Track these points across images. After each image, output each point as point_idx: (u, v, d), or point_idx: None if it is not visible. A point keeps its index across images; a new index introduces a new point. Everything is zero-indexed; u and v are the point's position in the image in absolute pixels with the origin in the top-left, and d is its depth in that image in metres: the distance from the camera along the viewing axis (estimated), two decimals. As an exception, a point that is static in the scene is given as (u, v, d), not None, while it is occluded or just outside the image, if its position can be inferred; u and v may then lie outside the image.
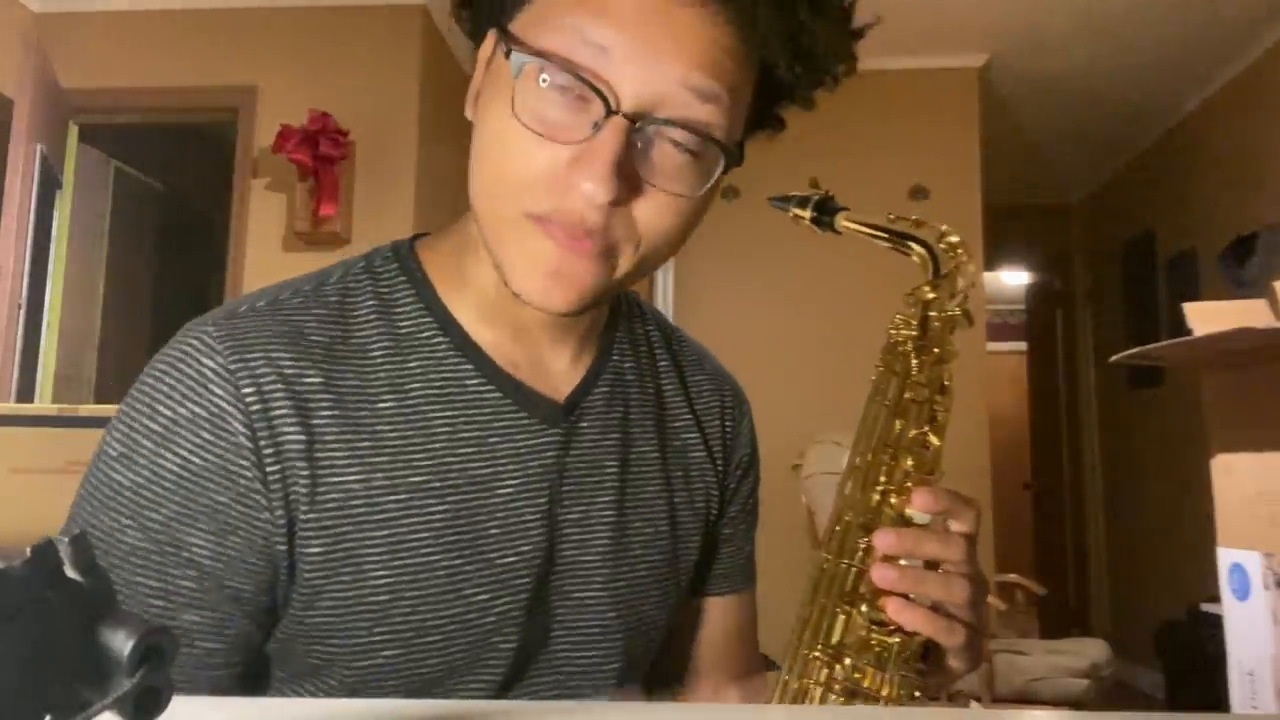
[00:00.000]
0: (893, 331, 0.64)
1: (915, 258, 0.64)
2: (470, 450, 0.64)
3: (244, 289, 3.56)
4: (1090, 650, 3.21)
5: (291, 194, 3.58)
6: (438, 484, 0.63)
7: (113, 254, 4.38)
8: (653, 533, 0.72)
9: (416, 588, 0.61)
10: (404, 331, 0.66)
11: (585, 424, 0.69)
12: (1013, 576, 3.49)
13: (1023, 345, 6.92)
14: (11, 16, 3.64)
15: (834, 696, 0.57)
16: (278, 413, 0.60)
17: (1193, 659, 3.46)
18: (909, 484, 0.60)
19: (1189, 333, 0.71)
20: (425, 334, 0.66)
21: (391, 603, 0.61)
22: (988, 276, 4.26)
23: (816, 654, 0.58)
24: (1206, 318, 0.70)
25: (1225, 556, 0.74)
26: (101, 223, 4.31)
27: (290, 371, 0.61)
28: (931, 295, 0.63)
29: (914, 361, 0.62)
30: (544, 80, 0.57)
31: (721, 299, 4.06)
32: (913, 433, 0.61)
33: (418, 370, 0.65)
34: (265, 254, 3.62)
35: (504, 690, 0.65)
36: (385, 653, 0.61)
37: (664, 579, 0.73)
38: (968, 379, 3.92)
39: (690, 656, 0.82)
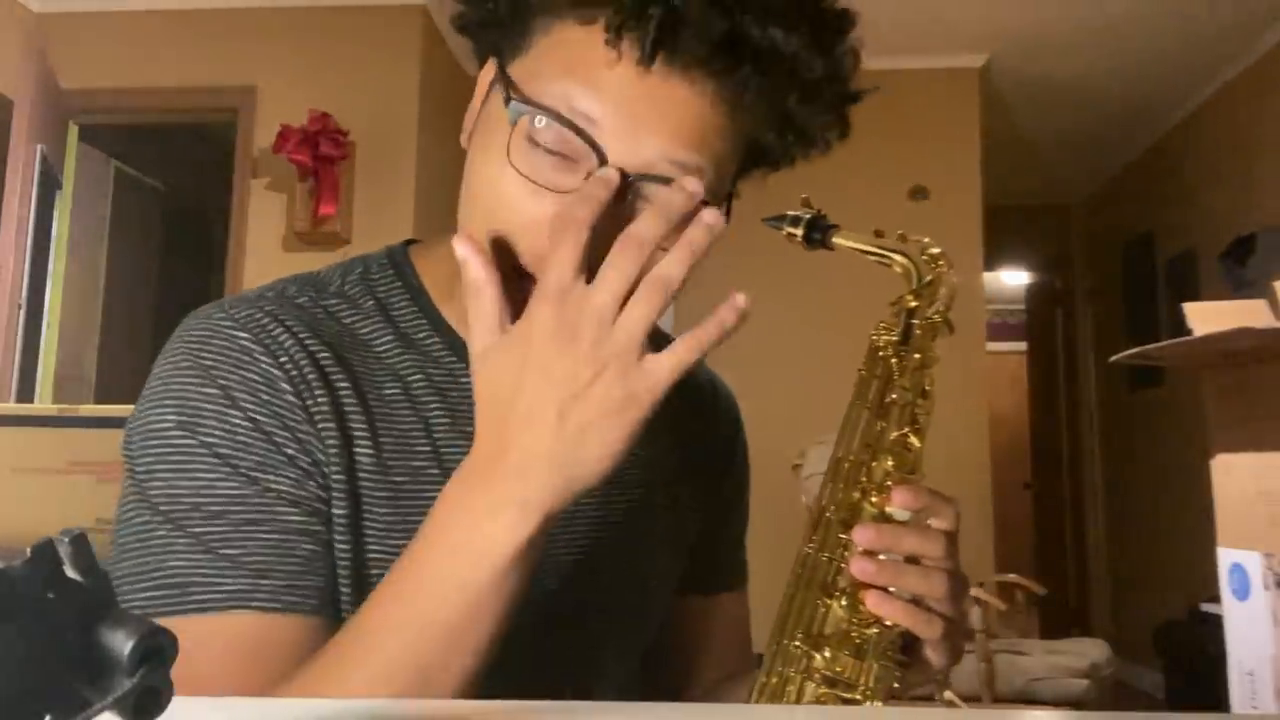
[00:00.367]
0: (875, 337, 0.65)
1: (898, 269, 0.66)
2: (467, 444, 0.65)
3: (244, 289, 3.54)
4: (1090, 650, 3.21)
5: (291, 194, 3.59)
6: (435, 470, 0.64)
7: (113, 254, 4.38)
8: (639, 531, 0.73)
9: None
10: (402, 331, 0.68)
11: None
12: (1013, 576, 3.49)
13: (1023, 345, 6.92)
14: (11, 16, 3.64)
15: (813, 686, 0.58)
16: (311, 377, 0.62)
17: (1193, 659, 3.46)
18: (890, 483, 0.61)
19: (1189, 333, 0.71)
20: (420, 335, 0.68)
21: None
22: (988, 276, 4.26)
23: (797, 644, 0.59)
24: (1206, 318, 0.70)
25: (1225, 556, 0.74)
26: (101, 223, 4.31)
27: (313, 346, 0.63)
28: (914, 303, 0.65)
29: (896, 366, 0.64)
30: (537, 135, 0.58)
31: (721, 299, 4.05)
32: (894, 434, 0.62)
33: (416, 365, 0.67)
34: (265, 254, 3.62)
35: (488, 681, 0.65)
36: None
37: (648, 574, 0.73)
38: (968, 379, 3.94)
39: (682, 655, 0.82)
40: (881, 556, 0.59)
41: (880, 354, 0.65)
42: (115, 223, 4.37)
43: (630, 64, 0.57)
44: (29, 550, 0.26)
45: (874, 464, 0.62)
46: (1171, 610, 3.94)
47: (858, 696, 0.58)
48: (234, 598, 0.57)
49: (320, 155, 3.47)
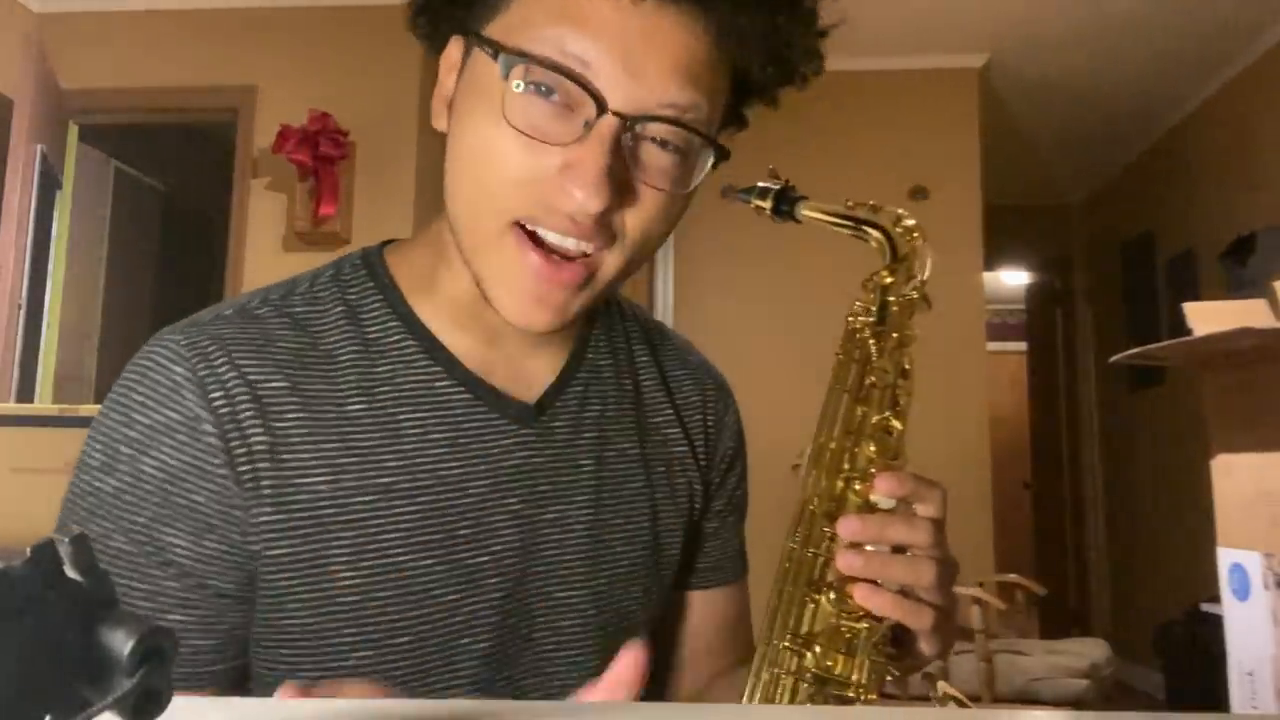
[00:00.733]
0: (851, 319, 0.64)
1: (873, 243, 0.64)
2: (441, 451, 0.65)
3: (244, 289, 3.56)
4: (1090, 650, 3.21)
5: (291, 194, 3.58)
6: (407, 484, 0.63)
7: (113, 254, 4.38)
8: (633, 529, 0.72)
9: (386, 589, 0.62)
10: (372, 336, 0.66)
11: (559, 423, 0.70)
12: (1013, 576, 3.48)
13: (1023, 345, 6.92)
14: (11, 16, 3.64)
15: (805, 685, 0.58)
16: (244, 415, 0.61)
17: (1193, 659, 3.46)
18: (873, 470, 0.60)
19: (1189, 333, 0.71)
20: (393, 338, 0.67)
21: (361, 604, 0.61)
22: (988, 276, 4.25)
23: (786, 643, 0.58)
24: (1206, 318, 0.70)
25: (1225, 556, 0.74)
26: (101, 223, 4.31)
27: (255, 376, 0.62)
28: (889, 280, 0.63)
29: (874, 347, 0.62)
30: (529, 86, 0.57)
31: (721, 299, 4.06)
32: (875, 418, 0.61)
33: (386, 374, 0.65)
34: (265, 254, 3.62)
35: (484, 689, 0.65)
36: (357, 654, 0.62)
37: (646, 575, 0.73)
38: (968, 379, 3.94)
39: (683, 650, 0.82)
40: (868, 547, 0.58)
41: (857, 336, 0.63)
42: (115, 223, 4.37)
43: None
44: (29, 550, 0.26)
45: (856, 450, 0.61)
46: (1171, 610, 3.93)
47: (850, 694, 0.57)
48: None
49: (320, 155, 3.46)
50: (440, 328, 0.67)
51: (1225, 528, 0.75)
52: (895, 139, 4.08)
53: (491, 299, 0.62)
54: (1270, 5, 3.69)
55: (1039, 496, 6.54)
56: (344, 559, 0.61)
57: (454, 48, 0.65)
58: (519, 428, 0.68)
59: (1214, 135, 4.44)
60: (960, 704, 0.65)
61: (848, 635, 0.58)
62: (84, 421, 1.63)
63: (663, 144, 0.59)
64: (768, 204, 0.66)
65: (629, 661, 0.46)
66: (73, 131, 3.74)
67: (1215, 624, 0.76)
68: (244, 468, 0.60)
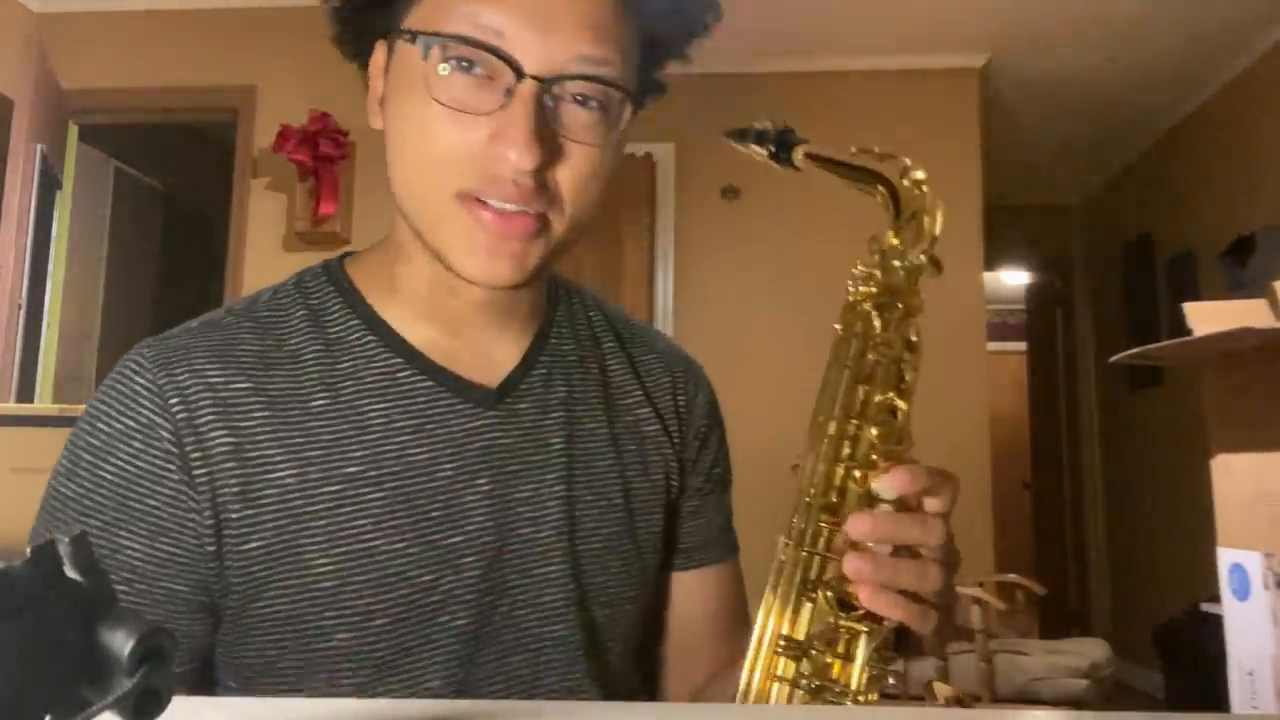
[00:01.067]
0: (852, 286, 0.58)
1: (878, 198, 0.58)
2: (406, 438, 0.67)
3: (244, 289, 3.56)
4: (1090, 650, 3.21)
5: (291, 194, 3.58)
6: (374, 472, 0.65)
7: (113, 254, 4.38)
8: (606, 505, 0.73)
9: (361, 573, 0.64)
10: (334, 336, 0.69)
11: (524, 405, 0.71)
12: (1013, 576, 3.48)
13: (1023, 345, 6.92)
14: (11, 16, 3.64)
15: (800, 692, 0.55)
16: (204, 420, 0.64)
17: (1193, 659, 3.46)
18: (874, 457, 0.55)
19: (1189, 333, 0.71)
20: (354, 336, 0.69)
21: (338, 588, 0.63)
22: (988, 276, 4.25)
23: (779, 648, 0.56)
24: (1206, 318, 0.70)
25: (1225, 556, 0.74)
26: (101, 223, 4.31)
27: (217, 380, 0.65)
28: (894, 241, 0.58)
29: (876, 319, 0.57)
30: (449, 64, 0.61)
31: (721, 299, 4.05)
32: (878, 398, 0.56)
33: (348, 369, 0.68)
34: (265, 254, 3.62)
35: (468, 666, 0.66)
36: (338, 636, 0.64)
37: (622, 550, 0.73)
38: (968, 379, 3.93)
39: (683, 634, 0.82)
40: (870, 543, 0.55)
41: (859, 306, 0.58)
42: (115, 223, 4.37)
43: None
44: (29, 550, 0.26)
45: (858, 435, 0.56)
46: (1171, 610, 3.93)
47: (848, 703, 0.55)
48: None
49: (320, 155, 3.47)
50: (402, 323, 0.70)
51: (1225, 528, 0.75)
52: (895, 139, 4.07)
53: (453, 265, 0.64)
54: (1270, 5, 3.69)
55: (1039, 496, 6.53)
56: (317, 547, 0.63)
57: (379, 53, 0.69)
58: (483, 410, 0.69)
59: (1214, 135, 4.44)
60: (961, 704, 0.63)
61: (847, 637, 0.55)
62: (84, 421, 1.62)
63: (583, 101, 0.63)
64: (765, 150, 0.64)
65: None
66: (73, 131, 3.74)
67: (1215, 624, 0.76)
68: (199, 471, 0.63)
